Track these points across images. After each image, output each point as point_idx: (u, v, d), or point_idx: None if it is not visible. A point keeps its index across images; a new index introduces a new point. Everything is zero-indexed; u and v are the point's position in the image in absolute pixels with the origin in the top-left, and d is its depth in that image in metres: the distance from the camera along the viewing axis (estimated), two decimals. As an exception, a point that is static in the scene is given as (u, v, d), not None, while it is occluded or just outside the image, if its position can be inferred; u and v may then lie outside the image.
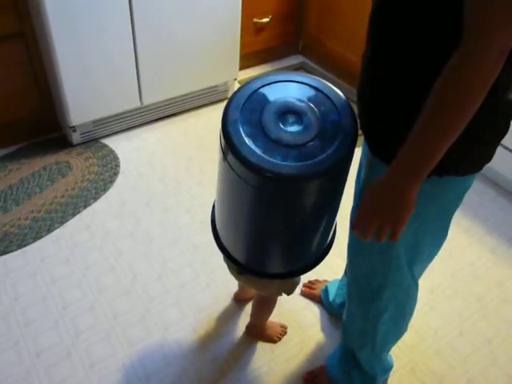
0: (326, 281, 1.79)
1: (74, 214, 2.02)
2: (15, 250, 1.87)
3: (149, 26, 2.21)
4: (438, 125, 0.79)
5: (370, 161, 1.05)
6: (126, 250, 1.89)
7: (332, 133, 0.95)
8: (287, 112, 0.97)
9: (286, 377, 1.54)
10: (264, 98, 0.99)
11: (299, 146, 0.94)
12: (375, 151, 1.01)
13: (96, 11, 2.03)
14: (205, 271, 1.84)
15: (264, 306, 1.54)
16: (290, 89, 1.00)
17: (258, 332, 1.63)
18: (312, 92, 1.00)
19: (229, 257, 1.26)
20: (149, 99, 2.45)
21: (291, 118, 0.96)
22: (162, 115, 2.59)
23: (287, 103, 0.97)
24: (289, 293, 1.40)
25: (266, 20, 2.81)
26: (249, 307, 1.70)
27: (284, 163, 0.92)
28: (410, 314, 1.31)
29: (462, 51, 0.74)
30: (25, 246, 1.88)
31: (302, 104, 0.97)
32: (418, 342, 1.65)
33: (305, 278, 1.77)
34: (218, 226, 1.30)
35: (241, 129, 0.95)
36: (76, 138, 2.36)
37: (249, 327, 1.64)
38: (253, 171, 0.94)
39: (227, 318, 1.70)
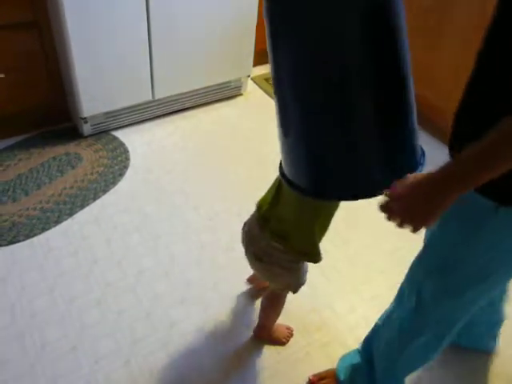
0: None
1: (82, 206, 2.02)
2: (23, 240, 1.86)
3: (164, 19, 2.20)
4: (505, 153, 0.78)
5: None
6: (133, 245, 1.89)
7: None
8: None
9: (291, 380, 1.53)
10: None
11: None
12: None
13: (112, 3, 2.02)
14: (212, 269, 1.83)
15: (272, 303, 1.54)
16: None
17: (266, 334, 1.62)
18: None
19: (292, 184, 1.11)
20: (161, 93, 2.43)
21: None
22: (173, 110, 2.57)
23: None
24: (295, 290, 1.43)
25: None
26: (256, 307, 1.69)
27: None
28: (447, 343, 1.28)
29: None
30: (33, 236, 1.88)
31: None
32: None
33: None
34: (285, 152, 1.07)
35: None
36: (87, 129, 2.35)
37: (257, 330, 1.63)
38: None
39: (234, 317, 1.69)
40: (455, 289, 1.10)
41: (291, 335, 1.64)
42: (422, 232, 0.94)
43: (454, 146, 0.99)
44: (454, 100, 2.56)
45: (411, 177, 0.90)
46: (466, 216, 0.99)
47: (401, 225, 0.91)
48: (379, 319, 1.41)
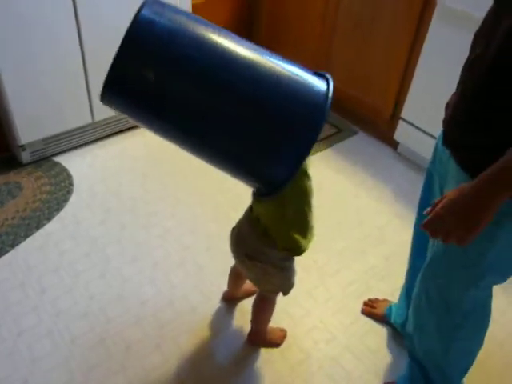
0: (386, 300, 1.77)
1: (26, 236, 1.95)
2: (-36, 276, 1.78)
3: (97, 41, 2.18)
4: None
5: (457, 174, 1.06)
6: (83, 271, 1.84)
7: None
8: None
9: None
10: None
11: None
12: (462, 164, 1.03)
13: (43, 25, 1.99)
14: (167, 286, 1.80)
15: (263, 308, 1.55)
16: None
17: (261, 339, 1.63)
18: None
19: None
20: (101, 115, 2.40)
21: None
22: (114, 131, 2.54)
23: None
24: (286, 292, 1.45)
25: (217, 31, 2.82)
26: (242, 308, 1.68)
27: None
28: (487, 328, 1.30)
29: None
30: (-26, 272, 1.80)
31: None
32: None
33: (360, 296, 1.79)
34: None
35: None
36: (26, 156, 2.29)
37: (251, 335, 1.64)
38: None
39: (222, 322, 1.67)
40: (478, 279, 1.13)
41: (285, 337, 1.66)
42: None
43: (465, 155, 1.03)
44: (389, 101, 2.67)
45: (450, 194, 0.94)
46: None
47: (447, 239, 0.94)
48: (408, 332, 1.42)
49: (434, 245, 1.19)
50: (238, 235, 1.40)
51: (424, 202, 1.36)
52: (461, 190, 0.92)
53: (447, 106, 1.12)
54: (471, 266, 1.11)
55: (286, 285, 1.44)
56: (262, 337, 1.63)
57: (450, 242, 0.95)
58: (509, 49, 0.88)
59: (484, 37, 0.97)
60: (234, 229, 1.43)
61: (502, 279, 1.16)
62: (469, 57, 1.04)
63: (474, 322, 1.25)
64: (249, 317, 1.60)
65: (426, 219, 0.97)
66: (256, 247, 1.34)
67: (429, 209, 0.98)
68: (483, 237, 1.02)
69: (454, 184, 1.08)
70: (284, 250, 1.31)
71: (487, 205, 0.89)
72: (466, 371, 1.38)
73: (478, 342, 1.31)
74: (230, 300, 1.77)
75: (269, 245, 1.31)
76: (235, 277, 1.66)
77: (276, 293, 1.48)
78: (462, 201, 0.92)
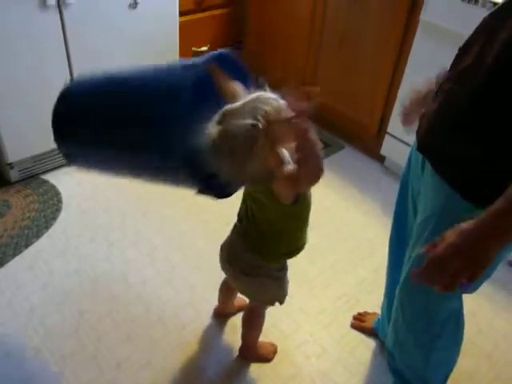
0: (375, 313, 1.77)
1: (14, 255, 1.94)
2: (-49, 296, 1.76)
3: (85, 58, 2.19)
4: None
5: (435, 184, 1.05)
6: (72, 289, 1.83)
7: None
8: None
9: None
10: None
11: None
12: (444, 174, 1.02)
13: (30, 44, 2.00)
14: (157, 303, 1.80)
15: (252, 322, 1.56)
16: None
17: (252, 353, 1.63)
18: None
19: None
20: (89, 132, 2.40)
21: None
22: (103, 147, 2.54)
23: None
24: (282, 301, 1.46)
25: (204, 48, 2.84)
26: (232, 324, 1.68)
27: None
28: (462, 335, 1.31)
29: None
30: (-38, 291, 1.78)
31: None
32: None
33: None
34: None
35: None
36: (14, 175, 2.28)
37: (242, 350, 1.64)
38: None
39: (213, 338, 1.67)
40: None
41: (276, 351, 1.66)
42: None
43: (446, 164, 1.02)
44: (375, 116, 2.70)
45: (449, 237, 0.87)
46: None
47: (455, 281, 0.88)
48: (390, 348, 1.42)
49: (408, 261, 1.20)
50: (230, 253, 1.39)
51: (399, 214, 1.37)
52: (465, 233, 0.86)
53: (423, 116, 1.12)
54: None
55: (281, 294, 1.45)
56: (253, 351, 1.63)
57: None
58: (507, 59, 0.89)
59: (475, 48, 0.99)
60: (223, 247, 1.42)
61: (472, 290, 1.18)
62: (455, 67, 1.05)
63: (451, 329, 1.27)
64: (239, 332, 1.60)
65: (421, 267, 0.90)
66: (252, 262, 1.33)
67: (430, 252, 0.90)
68: None
69: (429, 195, 1.09)
70: (285, 254, 1.33)
71: (498, 243, 0.85)
72: (446, 379, 1.40)
73: (456, 349, 1.33)
74: (222, 316, 1.76)
75: (266, 257, 1.32)
76: (226, 292, 1.66)
77: (272, 304, 1.47)
78: (468, 244, 0.86)
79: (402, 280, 1.25)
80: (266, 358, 1.64)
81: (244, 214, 1.32)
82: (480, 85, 0.94)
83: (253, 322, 1.57)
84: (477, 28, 1.03)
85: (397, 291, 1.29)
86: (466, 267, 0.86)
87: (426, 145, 1.09)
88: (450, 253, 0.86)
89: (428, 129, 1.08)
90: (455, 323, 1.27)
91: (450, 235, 0.87)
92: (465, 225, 0.87)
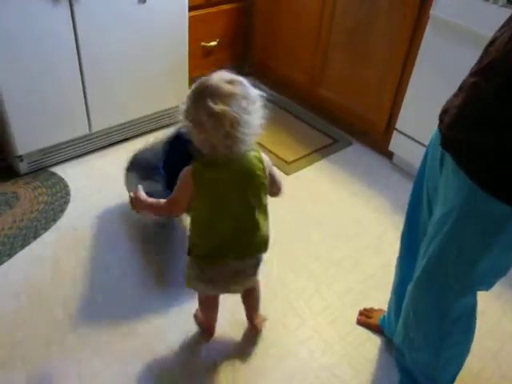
0: (381, 310, 1.77)
1: (23, 246, 1.96)
2: (-40, 286, 1.78)
3: (95, 52, 2.20)
4: None
5: (456, 179, 1.05)
6: (79, 281, 1.84)
7: None
8: None
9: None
10: None
11: None
12: (468, 168, 1.02)
13: (40, 38, 2.01)
14: (166, 299, 1.81)
15: (259, 291, 1.65)
16: None
17: (262, 319, 1.73)
18: None
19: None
20: (98, 125, 2.42)
21: None
22: (112, 141, 2.55)
23: None
24: None
25: (213, 44, 2.84)
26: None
27: None
28: (474, 332, 1.31)
29: None
30: (-29, 282, 1.80)
31: None
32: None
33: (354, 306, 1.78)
34: None
35: None
36: (23, 167, 2.29)
37: (259, 320, 1.72)
38: None
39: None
40: (469, 289, 1.15)
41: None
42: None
43: (473, 160, 1.01)
44: (383, 112, 2.68)
45: None
46: (484, 222, 1.03)
47: None
48: (398, 347, 1.43)
49: (424, 257, 1.20)
50: (234, 273, 1.45)
51: (412, 212, 1.37)
52: None
53: (446, 110, 1.10)
54: (463, 277, 1.12)
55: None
56: (262, 317, 1.74)
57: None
58: None
59: (501, 42, 0.97)
60: (219, 279, 1.46)
61: (488, 287, 1.18)
62: (480, 62, 1.03)
63: (462, 327, 1.26)
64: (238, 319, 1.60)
65: None
66: (252, 265, 1.46)
67: None
68: (478, 247, 1.03)
69: (449, 190, 1.08)
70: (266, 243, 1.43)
71: None
72: (454, 378, 1.39)
73: (466, 347, 1.33)
74: (212, 332, 1.70)
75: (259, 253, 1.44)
76: (215, 306, 1.65)
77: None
78: None
79: (417, 275, 1.24)
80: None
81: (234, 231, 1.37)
82: (507, 79, 0.93)
83: (259, 290, 1.65)
84: (504, 23, 1.02)
85: (410, 287, 1.29)
86: None
87: (450, 140, 1.07)
88: None
89: (452, 124, 1.06)
90: (467, 321, 1.26)
91: None
92: None
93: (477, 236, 1.05)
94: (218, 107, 1.16)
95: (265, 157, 1.33)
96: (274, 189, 1.41)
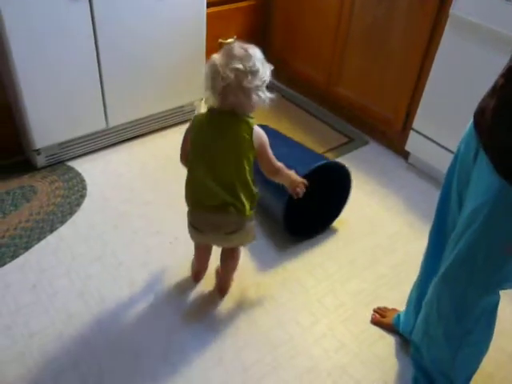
0: (394, 309, 1.77)
1: (39, 239, 1.98)
2: (-22, 278, 1.81)
3: (113, 47, 2.21)
4: None
5: (490, 173, 1.04)
6: (94, 275, 1.86)
7: None
8: None
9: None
10: None
11: None
12: (500, 166, 1.01)
13: (59, 32, 2.02)
14: (175, 294, 1.82)
15: (236, 256, 1.76)
16: None
17: (229, 286, 1.83)
18: None
19: None
20: (115, 121, 2.43)
21: None
22: (128, 137, 2.57)
23: None
24: (254, 239, 1.70)
25: (230, 40, 2.84)
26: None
27: None
28: (493, 332, 1.30)
29: None
30: (-12, 273, 1.83)
31: None
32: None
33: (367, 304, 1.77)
34: None
35: None
36: (41, 161, 2.32)
37: (222, 285, 1.82)
38: None
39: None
40: (496, 285, 1.15)
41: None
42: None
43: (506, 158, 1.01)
44: (400, 112, 2.66)
45: None
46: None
47: None
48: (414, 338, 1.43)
49: (452, 251, 1.19)
50: (215, 222, 1.56)
51: (441, 208, 1.36)
52: None
53: (482, 111, 1.08)
54: (492, 273, 1.11)
55: (254, 235, 1.69)
56: (230, 284, 1.83)
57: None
58: None
59: None
60: (199, 223, 1.60)
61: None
62: (509, 63, 1.02)
63: (483, 326, 1.25)
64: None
65: None
66: (237, 221, 1.55)
67: None
68: (509, 241, 1.03)
69: (483, 183, 1.06)
70: (252, 199, 1.55)
71: None
72: (470, 378, 1.38)
73: (484, 347, 1.32)
74: (200, 276, 1.87)
75: (244, 214, 1.53)
76: (204, 251, 1.81)
77: (251, 242, 1.71)
78: None
79: (443, 271, 1.23)
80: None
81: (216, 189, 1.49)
82: None
83: (236, 256, 1.76)
84: None
85: (434, 282, 1.28)
86: None
87: (489, 144, 1.06)
88: None
89: (489, 126, 1.05)
90: (488, 319, 1.25)
91: None
92: None
93: (507, 233, 1.05)
94: (220, 61, 1.36)
95: (259, 130, 1.46)
96: (263, 167, 1.54)
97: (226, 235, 1.59)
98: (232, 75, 1.34)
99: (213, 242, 1.72)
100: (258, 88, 1.39)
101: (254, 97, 1.40)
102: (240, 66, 1.35)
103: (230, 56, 1.36)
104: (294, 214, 1.96)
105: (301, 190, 1.58)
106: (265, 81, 1.41)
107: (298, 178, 1.58)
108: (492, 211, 1.05)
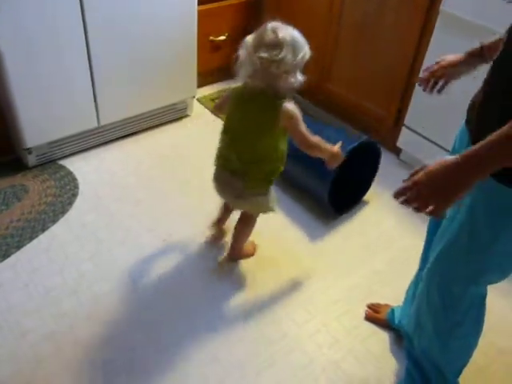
0: (387, 305, 1.78)
1: (31, 238, 1.97)
2: (-31, 277, 1.79)
3: (104, 45, 2.20)
4: None
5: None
6: (86, 273, 1.85)
7: None
8: None
9: None
10: None
11: None
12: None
13: (50, 30, 2.01)
14: (170, 291, 1.81)
15: (248, 223, 1.83)
16: None
17: (240, 253, 1.92)
18: None
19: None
20: (106, 119, 2.42)
21: None
22: (120, 135, 2.56)
23: None
24: (273, 209, 1.76)
25: (222, 38, 2.84)
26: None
27: None
28: (482, 326, 1.31)
29: None
30: (-21, 273, 1.81)
31: None
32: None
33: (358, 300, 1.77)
34: None
35: None
36: (32, 160, 2.30)
37: (232, 252, 1.91)
38: None
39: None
40: (480, 275, 1.15)
41: (256, 248, 1.98)
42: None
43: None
44: (392, 108, 2.66)
45: (430, 166, 0.95)
46: (495, 211, 1.04)
47: (420, 208, 0.97)
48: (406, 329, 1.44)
49: (439, 243, 1.20)
50: (221, 184, 1.71)
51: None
52: (442, 163, 0.93)
53: (473, 107, 1.11)
54: (475, 262, 1.13)
55: (273, 204, 1.74)
56: (241, 251, 1.91)
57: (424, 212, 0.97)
58: None
59: (507, 37, 0.98)
60: (216, 180, 1.73)
61: (500, 277, 1.18)
62: (498, 56, 1.03)
63: (472, 318, 1.26)
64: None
65: (400, 186, 1.00)
66: (240, 188, 1.64)
67: (406, 179, 1.00)
68: (490, 230, 1.03)
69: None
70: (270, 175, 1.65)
71: (468, 181, 0.91)
72: (461, 371, 1.40)
73: (474, 340, 1.33)
74: (216, 241, 2.00)
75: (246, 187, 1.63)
76: (225, 210, 1.94)
77: (266, 212, 1.77)
78: (442, 174, 0.93)
79: (430, 262, 1.25)
80: (251, 254, 1.95)
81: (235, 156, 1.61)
82: (507, 78, 0.94)
83: (248, 223, 1.83)
84: None
85: (424, 274, 1.29)
86: (433, 197, 0.94)
87: (476, 136, 1.07)
88: (424, 179, 0.95)
89: (477, 120, 1.08)
90: (477, 312, 1.27)
91: (431, 165, 0.95)
92: (447, 157, 0.93)
93: (487, 224, 1.06)
94: (249, 48, 1.46)
95: (288, 107, 1.52)
96: (296, 141, 1.58)
97: (234, 198, 1.72)
98: (258, 62, 1.42)
99: (227, 200, 1.82)
100: (287, 72, 1.46)
101: (283, 80, 1.47)
102: (266, 55, 1.42)
103: (259, 42, 1.44)
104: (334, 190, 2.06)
105: (336, 163, 1.66)
106: (296, 64, 1.48)
107: (340, 152, 1.64)
108: (473, 204, 1.07)
